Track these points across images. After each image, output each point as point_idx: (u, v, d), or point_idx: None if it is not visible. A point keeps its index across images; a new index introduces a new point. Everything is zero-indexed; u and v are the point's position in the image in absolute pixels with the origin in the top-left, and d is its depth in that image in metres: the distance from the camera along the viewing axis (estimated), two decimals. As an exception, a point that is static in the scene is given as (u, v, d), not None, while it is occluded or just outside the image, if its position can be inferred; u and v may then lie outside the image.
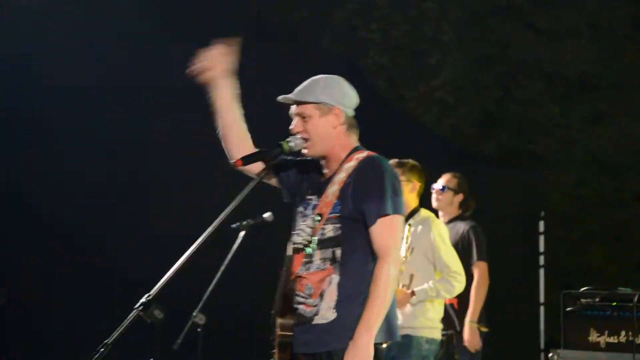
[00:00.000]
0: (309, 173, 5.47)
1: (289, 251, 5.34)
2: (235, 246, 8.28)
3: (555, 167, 14.51)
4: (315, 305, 5.20)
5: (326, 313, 5.17)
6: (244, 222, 8.29)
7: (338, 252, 5.19)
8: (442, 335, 8.41)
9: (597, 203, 14.81)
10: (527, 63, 14.67)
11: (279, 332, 5.30)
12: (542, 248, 14.03)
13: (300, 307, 5.24)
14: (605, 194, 14.68)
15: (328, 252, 5.21)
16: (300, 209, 5.40)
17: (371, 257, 5.22)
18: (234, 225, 8.15)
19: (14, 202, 12.40)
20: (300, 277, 5.26)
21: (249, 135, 5.50)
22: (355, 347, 5.06)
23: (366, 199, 5.18)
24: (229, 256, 8.29)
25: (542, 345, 13.78)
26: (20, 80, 12.73)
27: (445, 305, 8.74)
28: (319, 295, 5.19)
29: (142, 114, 12.98)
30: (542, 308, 13.95)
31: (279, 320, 5.30)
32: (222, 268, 8.31)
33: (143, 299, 5.00)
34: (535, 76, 14.73)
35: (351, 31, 14.61)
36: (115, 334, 4.96)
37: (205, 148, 11.97)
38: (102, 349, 4.92)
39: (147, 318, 5.04)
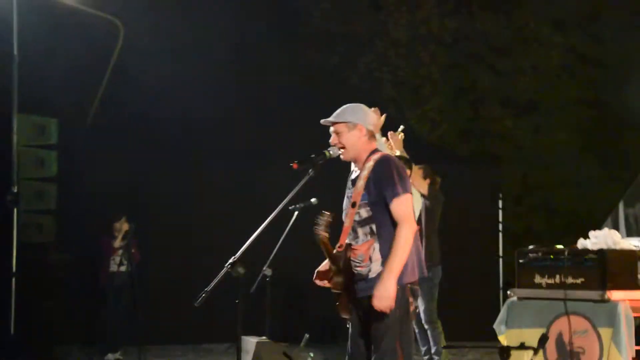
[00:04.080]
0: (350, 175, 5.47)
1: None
2: (291, 222, 8.25)
3: (510, 163, 14.38)
4: (368, 266, 5.22)
5: (377, 270, 5.17)
6: (297, 205, 8.26)
7: (374, 227, 5.20)
8: None
9: (538, 187, 14.67)
10: (490, 93, 14.53)
11: (333, 285, 5.34)
12: (500, 218, 13.96)
13: (357, 269, 5.26)
14: (543, 181, 14.53)
15: (367, 229, 5.24)
16: (345, 199, 5.43)
17: (395, 228, 5.19)
18: (291, 207, 8.11)
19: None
20: (352, 248, 5.27)
21: None
22: (382, 285, 5.08)
23: (383, 187, 5.19)
24: (287, 229, 8.26)
25: (501, 285, 13.67)
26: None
27: None
28: (369, 259, 5.21)
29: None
30: (500, 260, 13.86)
31: (335, 278, 5.33)
32: (283, 237, 8.28)
33: (231, 260, 5.00)
34: (495, 102, 14.59)
35: (369, 73, 14.51)
36: (212, 284, 4.94)
37: (269, 155, 12.04)
38: (203, 294, 4.91)
39: (234, 273, 5.03)
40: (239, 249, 5.09)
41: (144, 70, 12.38)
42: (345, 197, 5.41)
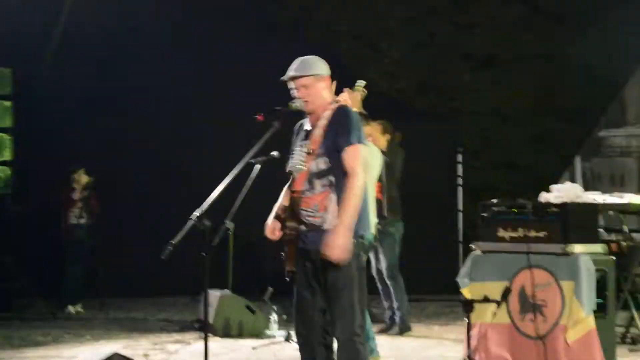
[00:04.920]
0: (297, 136, 5.43)
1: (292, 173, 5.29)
2: (252, 175, 8.21)
3: (468, 118, 14.42)
4: (322, 217, 5.15)
5: (333, 221, 5.11)
6: (259, 159, 8.21)
7: (332, 178, 5.15)
8: None
9: (496, 142, 14.74)
10: (449, 47, 14.51)
11: (287, 231, 5.25)
12: (460, 172, 14.04)
13: (309, 219, 5.18)
14: (502, 135, 14.59)
15: (325, 180, 5.18)
16: (296, 148, 5.36)
17: None
18: (252, 160, 8.06)
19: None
20: (306, 197, 5.19)
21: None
22: (335, 236, 5.03)
23: (338, 135, 5.16)
24: (248, 182, 8.22)
25: (460, 238, 13.79)
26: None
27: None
28: (324, 209, 5.14)
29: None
30: (460, 214, 13.96)
31: (287, 223, 5.24)
32: (245, 190, 8.24)
33: (196, 213, 4.99)
34: (454, 55, 14.57)
35: (327, 26, 14.39)
36: (178, 237, 4.92)
37: (231, 110, 11.97)
38: (170, 247, 4.88)
39: (200, 226, 5.02)
40: (200, 202, 5.06)
41: (99, 23, 12.21)
42: (296, 148, 5.35)
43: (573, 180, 13.10)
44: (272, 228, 5.32)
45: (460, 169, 13.98)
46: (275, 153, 8.03)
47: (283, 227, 5.27)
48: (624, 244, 8.05)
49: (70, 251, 11.54)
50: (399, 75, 14.66)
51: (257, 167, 8.17)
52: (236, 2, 13.29)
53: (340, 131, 5.16)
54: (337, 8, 14.37)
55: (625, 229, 8.09)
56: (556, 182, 7.80)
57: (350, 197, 5.06)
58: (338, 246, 5.01)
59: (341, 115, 5.23)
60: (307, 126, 5.36)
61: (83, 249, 11.54)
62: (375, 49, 14.74)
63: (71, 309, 11.51)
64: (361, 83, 7.37)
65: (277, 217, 5.32)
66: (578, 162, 14.09)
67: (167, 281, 11.90)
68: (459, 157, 13.99)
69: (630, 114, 14.30)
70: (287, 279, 5.30)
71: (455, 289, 7.07)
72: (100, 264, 11.42)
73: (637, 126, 14.13)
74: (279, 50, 11.70)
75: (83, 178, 11.50)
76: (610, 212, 8.40)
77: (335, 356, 5.24)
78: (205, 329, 5.51)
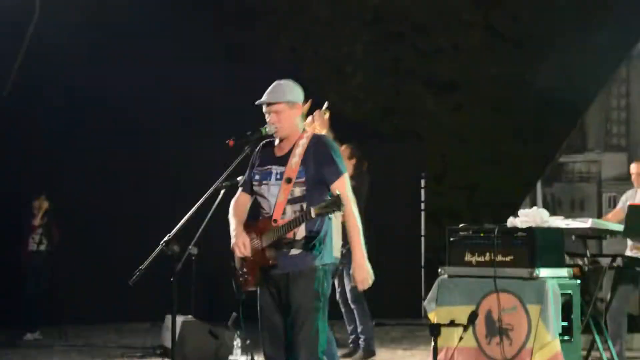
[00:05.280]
0: (261, 155, 5.38)
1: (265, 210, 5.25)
2: (217, 200, 8.15)
3: (431, 142, 14.48)
4: (290, 242, 5.14)
5: (299, 247, 5.13)
6: (225, 183, 8.13)
7: (304, 205, 5.12)
8: None
9: (458, 166, 14.81)
10: (412, 72, 14.60)
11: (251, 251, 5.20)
12: (423, 197, 14.07)
13: (278, 243, 5.17)
14: (463, 159, 14.67)
15: (297, 206, 5.16)
16: (261, 178, 5.30)
17: None
18: (222, 184, 7.99)
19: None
20: (277, 222, 5.16)
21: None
22: (360, 266, 5.19)
23: (323, 166, 5.17)
24: (214, 207, 8.15)
25: (422, 263, 13.80)
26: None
27: None
28: (292, 235, 5.13)
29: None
30: (422, 238, 13.98)
31: (252, 242, 5.20)
32: (209, 214, 8.17)
33: (165, 238, 4.95)
34: (417, 81, 14.66)
35: (292, 51, 14.43)
36: (147, 262, 4.87)
37: (205, 134, 11.89)
38: (138, 272, 4.83)
39: (169, 251, 4.97)
40: (162, 227, 5.04)
41: (62, 42, 12.09)
42: (261, 173, 5.30)
43: (534, 205, 13.16)
44: (243, 244, 5.25)
45: (423, 194, 14.01)
46: (240, 178, 8.02)
47: (258, 256, 5.22)
48: (585, 268, 8.06)
49: (29, 278, 11.37)
50: (364, 99, 14.71)
51: (222, 191, 8.18)
52: (201, 25, 13.26)
53: (326, 162, 5.19)
54: (302, 32, 14.43)
55: (588, 253, 8.11)
56: (517, 207, 7.82)
57: (355, 224, 5.22)
58: (364, 274, 5.18)
59: (323, 145, 5.25)
60: (278, 152, 5.32)
61: (42, 275, 11.37)
62: (340, 73, 14.79)
63: (30, 336, 11.32)
64: (326, 105, 7.38)
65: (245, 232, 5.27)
66: (539, 187, 14.16)
67: (127, 307, 11.75)
68: (423, 182, 14.03)
69: (590, 140, 14.41)
70: (242, 297, 5.32)
71: (418, 313, 7.08)
72: (59, 290, 11.26)
73: (596, 152, 14.23)
74: (244, 74, 11.76)
75: (44, 204, 11.37)
76: (573, 237, 8.42)
77: None
78: (173, 354, 5.45)
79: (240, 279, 5.24)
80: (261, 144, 5.41)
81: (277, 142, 5.33)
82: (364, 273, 5.17)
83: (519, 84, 14.18)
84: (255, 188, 5.33)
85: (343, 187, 5.16)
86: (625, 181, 9.99)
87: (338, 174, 5.19)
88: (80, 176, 12.49)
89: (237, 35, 13.99)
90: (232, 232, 5.30)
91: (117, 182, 12.59)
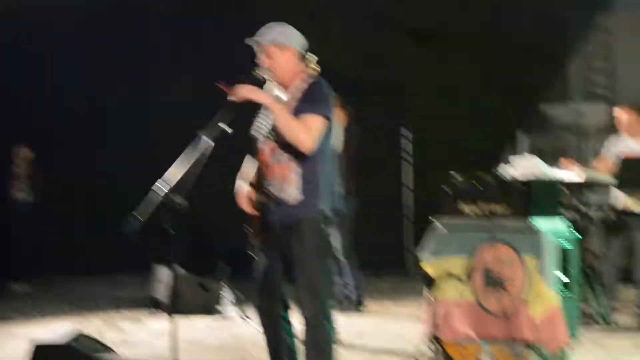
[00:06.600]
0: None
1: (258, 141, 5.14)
2: (200, 148, 8.00)
3: (413, 92, 14.37)
4: (285, 189, 5.02)
5: (295, 196, 5.00)
6: (211, 133, 7.97)
7: (299, 150, 4.98)
8: None
9: (440, 117, 14.72)
10: (394, 20, 14.44)
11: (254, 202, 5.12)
12: (403, 146, 14.06)
13: (273, 190, 5.06)
14: (445, 110, 14.57)
15: (292, 151, 5.00)
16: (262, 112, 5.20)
17: (321, 155, 5.03)
18: (202, 134, 7.85)
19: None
20: (271, 167, 5.05)
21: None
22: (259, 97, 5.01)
23: (308, 101, 4.99)
24: (197, 155, 8.03)
25: (405, 213, 13.78)
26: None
27: None
28: (288, 181, 5.01)
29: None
30: (404, 188, 13.96)
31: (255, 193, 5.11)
32: (192, 164, 8.05)
33: (162, 187, 4.92)
34: (400, 30, 14.49)
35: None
36: (146, 210, 4.78)
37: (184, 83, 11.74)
38: (134, 221, 4.77)
39: (171, 203, 4.88)
40: (148, 179, 4.91)
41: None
42: (260, 119, 5.18)
43: (517, 154, 13.12)
44: (246, 198, 5.15)
45: (404, 143, 13.95)
46: (224, 125, 7.86)
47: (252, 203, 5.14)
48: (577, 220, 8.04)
49: (15, 227, 11.25)
50: (345, 50, 14.54)
51: (207, 141, 8.03)
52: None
53: (309, 101, 4.99)
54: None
55: (582, 207, 8.08)
56: (499, 157, 7.73)
57: (296, 124, 4.91)
58: (249, 88, 4.95)
59: (315, 86, 5.06)
60: (283, 95, 5.17)
61: (28, 225, 11.24)
62: (322, 22, 14.58)
63: (19, 288, 11.22)
64: (313, 58, 7.18)
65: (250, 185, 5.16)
66: (523, 137, 14.12)
67: (116, 259, 11.64)
68: (403, 131, 13.98)
69: (573, 90, 14.39)
70: (250, 252, 5.18)
71: (402, 265, 6.94)
72: (46, 241, 11.15)
73: (578, 102, 14.21)
74: (227, 24, 11.59)
75: (27, 154, 11.22)
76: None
77: (297, 331, 5.15)
78: (168, 307, 5.36)
79: (247, 232, 5.13)
80: (264, 88, 5.23)
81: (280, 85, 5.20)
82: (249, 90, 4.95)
83: (498, 34, 14.09)
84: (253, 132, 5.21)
85: (312, 122, 4.94)
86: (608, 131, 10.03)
87: (314, 110, 4.95)
88: (65, 128, 12.36)
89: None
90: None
91: (101, 135, 12.46)
